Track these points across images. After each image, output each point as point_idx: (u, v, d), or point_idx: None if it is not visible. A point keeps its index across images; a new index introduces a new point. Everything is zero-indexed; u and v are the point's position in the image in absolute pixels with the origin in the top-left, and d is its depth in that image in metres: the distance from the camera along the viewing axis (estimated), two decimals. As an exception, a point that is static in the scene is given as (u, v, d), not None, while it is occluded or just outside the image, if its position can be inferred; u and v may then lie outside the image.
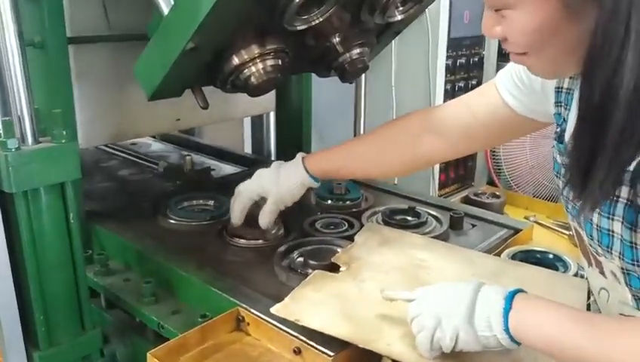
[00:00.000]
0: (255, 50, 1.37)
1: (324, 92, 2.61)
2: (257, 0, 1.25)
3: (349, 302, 1.15)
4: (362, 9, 1.50)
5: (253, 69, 1.38)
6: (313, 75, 2.15)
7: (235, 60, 1.37)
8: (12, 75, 1.23)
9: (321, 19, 1.37)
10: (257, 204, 1.50)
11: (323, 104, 2.69)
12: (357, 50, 1.59)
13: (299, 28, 1.37)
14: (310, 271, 1.30)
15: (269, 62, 1.40)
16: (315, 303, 1.14)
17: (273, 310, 1.11)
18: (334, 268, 1.30)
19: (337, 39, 1.53)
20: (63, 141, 1.27)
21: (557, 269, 1.39)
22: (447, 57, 2.49)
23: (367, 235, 1.44)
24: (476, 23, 2.56)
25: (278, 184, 1.45)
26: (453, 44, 2.49)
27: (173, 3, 1.25)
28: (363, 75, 2.40)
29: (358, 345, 1.02)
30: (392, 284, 1.19)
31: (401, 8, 1.58)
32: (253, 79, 1.39)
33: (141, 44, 1.35)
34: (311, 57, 1.61)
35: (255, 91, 1.44)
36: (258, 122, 2.57)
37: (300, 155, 1.47)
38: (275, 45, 1.40)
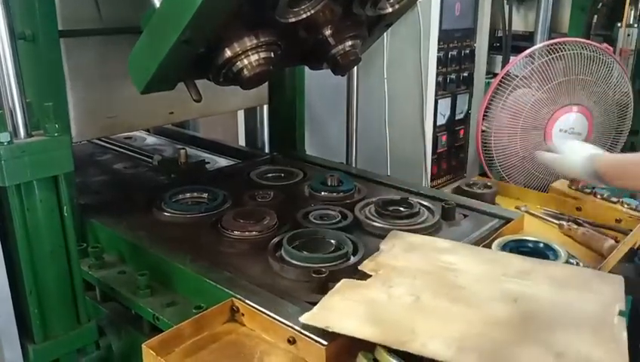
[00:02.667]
0: (247, 42, 1.37)
1: (317, 85, 2.61)
2: (249, -8, 1.26)
3: (379, 307, 1.15)
4: (354, 1, 1.50)
5: (246, 61, 1.39)
6: (306, 67, 2.15)
7: (228, 53, 1.37)
8: (3, 69, 1.23)
9: (312, 12, 1.38)
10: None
11: (316, 97, 2.69)
12: (349, 43, 1.59)
13: (291, 20, 1.37)
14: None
15: (262, 55, 1.40)
16: (345, 310, 1.13)
17: (302, 319, 1.09)
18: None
19: (329, 31, 1.53)
20: (56, 134, 1.27)
21: (548, 258, 1.41)
22: (439, 50, 2.48)
23: (392, 242, 1.43)
24: (467, 15, 2.57)
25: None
26: (445, 37, 2.49)
27: (165, -5, 1.25)
28: (355, 68, 2.41)
29: (392, 346, 1.01)
30: (422, 288, 1.20)
31: (392, 0, 1.58)
32: (245, 71, 1.39)
33: (134, 37, 1.34)
34: (303, 50, 1.62)
35: (247, 84, 1.44)
36: (252, 115, 2.57)
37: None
38: (267, 37, 1.40)
